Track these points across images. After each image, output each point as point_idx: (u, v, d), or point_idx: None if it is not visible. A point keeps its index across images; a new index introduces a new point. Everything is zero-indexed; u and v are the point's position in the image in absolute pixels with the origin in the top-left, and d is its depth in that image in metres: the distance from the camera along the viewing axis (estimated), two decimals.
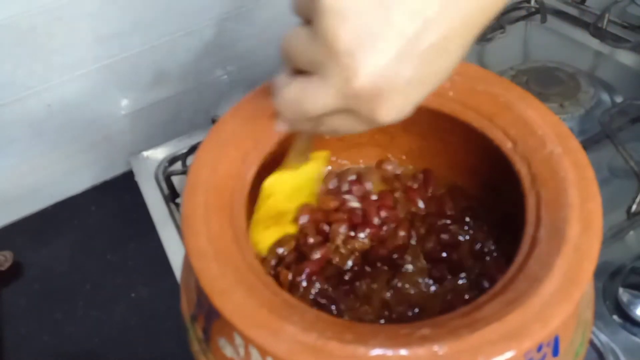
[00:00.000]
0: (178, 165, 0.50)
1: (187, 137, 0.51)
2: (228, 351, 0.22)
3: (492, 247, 0.30)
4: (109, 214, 0.50)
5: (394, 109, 0.20)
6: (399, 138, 0.34)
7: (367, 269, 0.30)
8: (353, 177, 0.34)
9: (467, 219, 0.32)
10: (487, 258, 0.30)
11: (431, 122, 0.30)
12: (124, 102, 0.52)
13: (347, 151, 0.35)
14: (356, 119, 0.21)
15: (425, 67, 0.20)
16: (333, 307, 0.28)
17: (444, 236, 0.31)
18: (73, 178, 0.52)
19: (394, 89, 0.20)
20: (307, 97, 0.21)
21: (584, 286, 0.21)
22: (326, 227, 0.31)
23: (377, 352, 0.19)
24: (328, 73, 0.20)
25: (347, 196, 0.33)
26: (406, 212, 0.32)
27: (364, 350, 0.19)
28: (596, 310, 0.34)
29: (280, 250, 0.31)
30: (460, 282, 0.29)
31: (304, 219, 0.31)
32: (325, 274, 0.30)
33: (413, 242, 0.31)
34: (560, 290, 0.20)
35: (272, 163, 0.28)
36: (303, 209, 0.31)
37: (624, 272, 0.36)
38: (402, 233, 0.31)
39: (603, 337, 0.34)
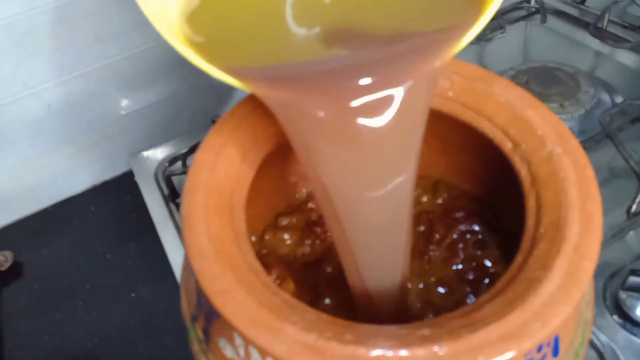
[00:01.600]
0: (178, 165, 0.50)
1: (187, 137, 0.51)
2: (228, 351, 0.22)
3: (492, 247, 0.30)
4: (109, 214, 0.50)
5: None
6: None
7: None
8: None
9: (466, 219, 0.32)
10: (486, 257, 0.30)
11: (430, 122, 0.30)
12: (124, 102, 0.52)
13: None
14: None
15: None
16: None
17: (441, 235, 0.31)
18: (73, 178, 0.52)
19: None
20: None
21: (584, 286, 0.21)
22: None
23: (377, 352, 0.19)
24: None
25: None
26: None
27: (364, 351, 0.19)
28: (596, 310, 0.34)
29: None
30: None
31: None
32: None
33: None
34: (560, 290, 0.20)
35: (272, 163, 0.28)
36: None
37: (624, 272, 0.36)
38: None
39: (603, 337, 0.34)
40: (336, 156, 0.21)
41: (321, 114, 0.20)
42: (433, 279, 0.30)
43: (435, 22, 0.23)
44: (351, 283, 0.25)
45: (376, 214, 0.22)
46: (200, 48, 0.22)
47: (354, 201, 0.22)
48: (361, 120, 0.20)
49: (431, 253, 0.31)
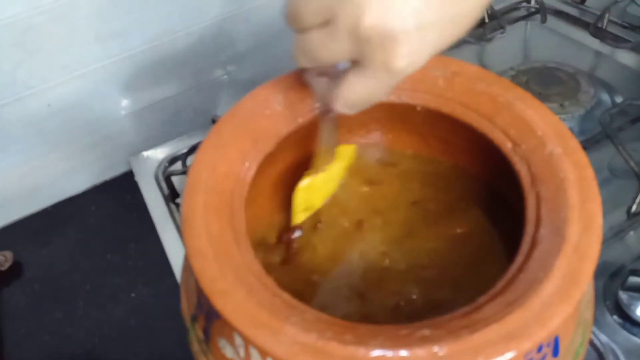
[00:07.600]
0: (178, 165, 0.50)
1: (187, 137, 0.51)
2: (228, 352, 0.22)
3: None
4: (109, 214, 0.50)
5: (408, 53, 0.20)
6: (398, 138, 0.34)
7: None
8: None
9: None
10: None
11: (431, 122, 0.30)
12: (124, 102, 0.52)
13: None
14: (373, 72, 0.21)
15: (440, 9, 0.19)
16: None
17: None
18: (73, 178, 0.52)
19: (406, 31, 0.19)
20: (321, 42, 0.21)
21: (584, 286, 0.21)
22: None
23: (377, 352, 0.19)
24: (338, 15, 0.20)
25: None
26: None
27: (364, 351, 0.19)
28: (596, 310, 0.34)
29: None
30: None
31: None
32: None
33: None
34: (560, 291, 0.20)
35: (272, 163, 0.28)
36: None
37: (624, 272, 0.36)
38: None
39: (603, 337, 0.34)
40: None
41: None
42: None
43: None
44: None
45: None
46: None
47: None
48: None
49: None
